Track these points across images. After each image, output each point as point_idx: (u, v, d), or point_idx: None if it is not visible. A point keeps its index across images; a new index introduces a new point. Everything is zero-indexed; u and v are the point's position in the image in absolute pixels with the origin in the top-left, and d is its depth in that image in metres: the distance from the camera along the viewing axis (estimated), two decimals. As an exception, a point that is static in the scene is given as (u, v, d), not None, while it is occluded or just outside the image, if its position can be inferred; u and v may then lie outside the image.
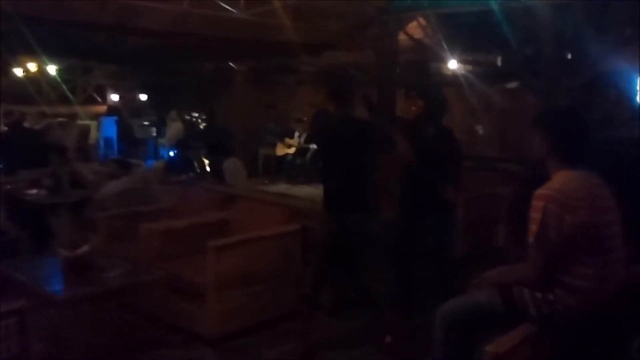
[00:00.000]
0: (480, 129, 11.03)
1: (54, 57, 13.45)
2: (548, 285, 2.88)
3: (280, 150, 12.58)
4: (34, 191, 7.06)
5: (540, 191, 2.84)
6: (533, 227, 2.82)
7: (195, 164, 12.54)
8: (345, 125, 4.35)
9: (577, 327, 2.85)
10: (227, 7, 7.97)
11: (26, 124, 11.81)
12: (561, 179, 2.89)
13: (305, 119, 12.95)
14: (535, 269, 2.88)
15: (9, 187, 7.45)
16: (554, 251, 2.82)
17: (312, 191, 10.62)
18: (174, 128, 13.81)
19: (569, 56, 8.02)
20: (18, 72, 14.69)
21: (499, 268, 3.14)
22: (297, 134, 12.54)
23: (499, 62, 9.86)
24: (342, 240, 4.35)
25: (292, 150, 12.40)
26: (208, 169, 12.17)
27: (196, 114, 15.66)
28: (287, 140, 12.56)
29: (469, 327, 3.08)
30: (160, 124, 15.02)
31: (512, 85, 10.06)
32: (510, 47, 8.14)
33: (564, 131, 2.97)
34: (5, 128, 11.60)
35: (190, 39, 8.78)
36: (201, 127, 15.38)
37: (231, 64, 13.48)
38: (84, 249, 4.45)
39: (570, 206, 2.78)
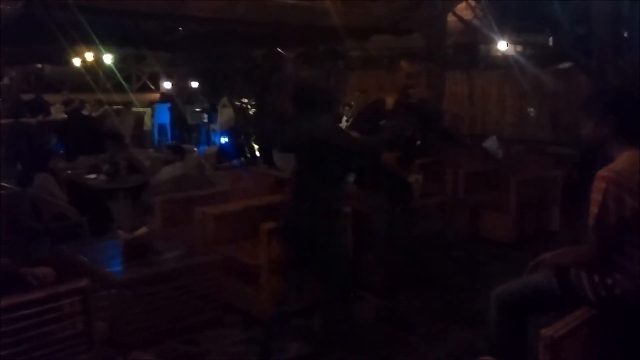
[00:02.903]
0: (532, 112, 10.85)
1: (109, 47, 13.74)
2: (607, 268, 2.82)
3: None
4: (93, 176, 7.24)
5: (601, 172, 2.75)
6: (593, 209, 2.74)
7: (246, 149, 12.68)
8: None
9: (635, 312, 2.80)
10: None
11: (84, 112, 12.17)
12: (624, 160, 2.80)
13: (353, 103, 12.94)
14: (594, 251, 2.81)
15: (69, 172, 7.69)
16: (613, 234, 2.75)
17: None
18: (225, 114, 13.94)
19: (625, 35, 7.82)
20: (76, 61, 15.05)
21: (556, 251, 3.07)
22: (344, 118, 12.54)
23: (550, 42, 9.66)
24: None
25: (338, 134, 12.34)
26: (258, 154, 12.29)
27: (246, 100, 15.79)
28: (334, 124, 12.51)
29: (524, 309, 3.05)
30: (212, 111, 15.18)
31: (564, 66, 9.87)
32: (561, 27, 7.98)
33: (627, 110, 2.88)
34: (65, 116, 12.00)
35: (239, 26, 8.87)
36: (251, 113, 15.50)
37: (280, 50, 13.53)
38: (143, 231, 4.61)
39: (631, 188, 2.71)
